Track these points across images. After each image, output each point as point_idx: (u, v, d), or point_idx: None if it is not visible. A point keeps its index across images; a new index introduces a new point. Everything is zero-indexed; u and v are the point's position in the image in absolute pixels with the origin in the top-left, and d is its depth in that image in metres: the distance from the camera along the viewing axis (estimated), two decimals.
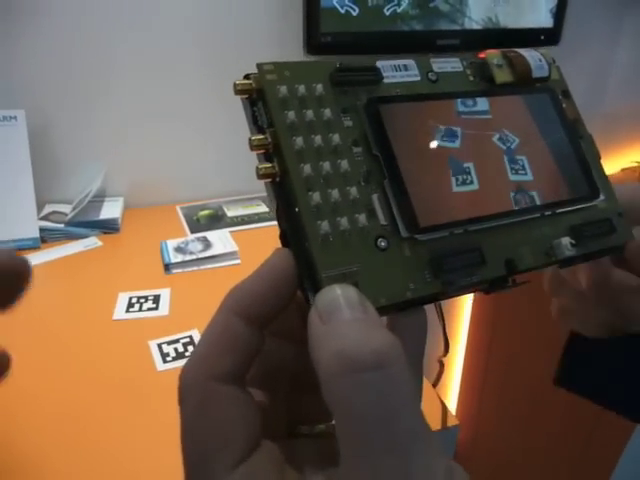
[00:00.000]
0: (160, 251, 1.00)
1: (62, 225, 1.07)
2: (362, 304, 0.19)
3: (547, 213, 0.26)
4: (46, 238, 1.04)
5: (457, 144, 0.25)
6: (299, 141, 0.22)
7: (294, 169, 0.21)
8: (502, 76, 0.27)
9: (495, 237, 0.24)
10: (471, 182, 0.25)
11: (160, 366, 0.72)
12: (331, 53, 1.14)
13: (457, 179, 0.24)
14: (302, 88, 0.22)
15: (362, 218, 0.22)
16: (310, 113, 0.22)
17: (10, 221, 1.02)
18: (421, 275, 0.22)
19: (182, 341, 0.77)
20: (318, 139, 0.22)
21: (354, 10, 1.10)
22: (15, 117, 1.02)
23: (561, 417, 1.20)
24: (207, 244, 1.01)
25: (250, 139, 0.22)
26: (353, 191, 0.22)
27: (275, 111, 0.22)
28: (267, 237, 1.09)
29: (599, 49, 1.52)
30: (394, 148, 0.23)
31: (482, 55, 0.28)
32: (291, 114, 0.22)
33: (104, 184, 1.16)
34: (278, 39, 1.17)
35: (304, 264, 0.21)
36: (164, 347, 0.75)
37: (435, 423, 0.67)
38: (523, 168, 0.26)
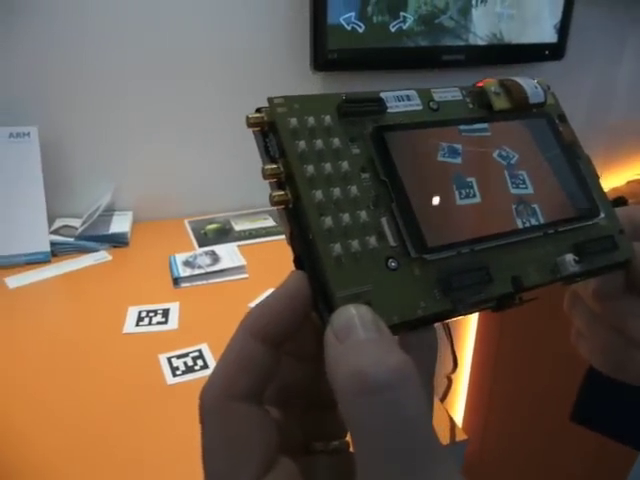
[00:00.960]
0: (169, 265, 1.01)
1: (72, 239, 1.08)
2: (376, 323, 0.19)
3: (550, 231, 0.27)
4: (57, 252, 1.06)
5: (459, 160, 0.26)
6: (310, 169, 0.23)
7: (306, 195, 0.23)
8: (500, 103, 0.28)
9: (501, 255, 0.25)
10: (474, 195, 0.26)
11: (170, 380, 0.73)
12: (337, 69, 1.16)
13: (460, 193, 0.25)
14: (311, 119, 0.24)
15: (372, 240, 0.23)
16: (320, 142, 0.23)
17: (22, 235, 1.03)
18: (431, 294, 0.23)
19: (191, 355, 0.77)
20: (328, 167, 0.23)
21: (360, 27, 1.12)
22: (28, 134, 1.04)
23: (568, 432, 1.20)
24: (215, 258, 1.02)
25: (263, 168, 0.23)
26: (363, 215, 0.23)
27: (287, 142, 0.23)
28: (274, 251, 1.10)
29: (603, 64, 1.53)
30: (400, 173, 0.24)
31: (480, 84, 0.29)
32: (302, 144, 0.23)
33: (113, 198, 1.17)
34: (285, 56, 1.19)
35: (318, 286, 0.22)
36: (174, 361, 0.76)
37: (444, 438, 0.67)
38: (524, 182, 0.27)
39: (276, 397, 0.24)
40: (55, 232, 1.10)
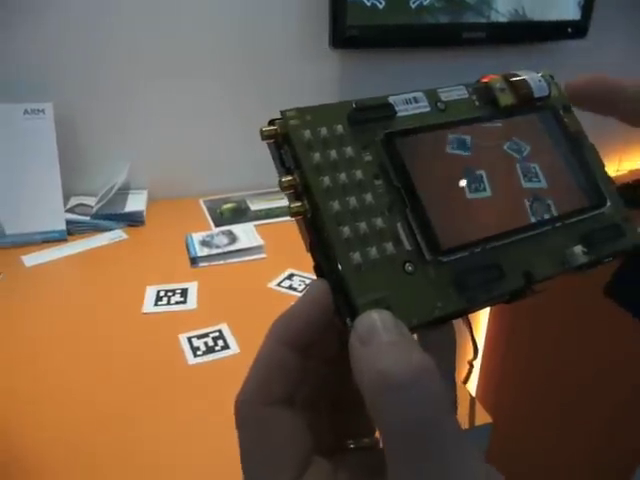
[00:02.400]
0: (185, 244, 1.00)
1: (88, 218, 1.08)
2: (397, 326, 0.20)
3: (559, 224, 0.27)
4: (72, 230, 1.05)
5: (468, 153, 0.26)
6: (326, 180, 0.23)
7: (324, 207, 0.23)
8: (505, 99, 0.29)
9: (512, 251, 0.26)
10: (484, 189, 0.26)
11: (191, 360, 0.72)
12: (356, 47, 1.14)
13: (470, 187, 0.26)
14: (324, 130, 0.24)
15: (389, 246, 0.23)
16: (333, 153, 0.24)
17: (37, 213, 1.02)
18: (447, 294, 0.24)
19: (212, 335, 0.77)
20: (343, 176, 0.24)
21: (380, 3, 1.09)
22: (43, 110, 1.03)
23: (580, 410, 1.20)
24: (233, 238, 1.01)
25: (280, 181, 0.24)
26: (379, 222, 0.24)
27: (301, 154, 0.24)
28: (292, 231, 1.08)
29: (626, 42, 1.50)
30: (413, 178, 0.25)
31: (484, 80, 0.29)
32: (316, 156, 0.24)
33: (128, 177, 1.16)
34: (303, 33, 1.17)
35: (340, 293, 0.22)
36: (194, 341, 0.76)
37: (466, 422, 0.66)
38: (536, 176, 0.27)
39: (304, 400, 0.24)
40: (70, 210, 1.09)
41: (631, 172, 1.56)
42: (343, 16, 1.07)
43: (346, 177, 0.24)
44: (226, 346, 0.75)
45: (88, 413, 0.64)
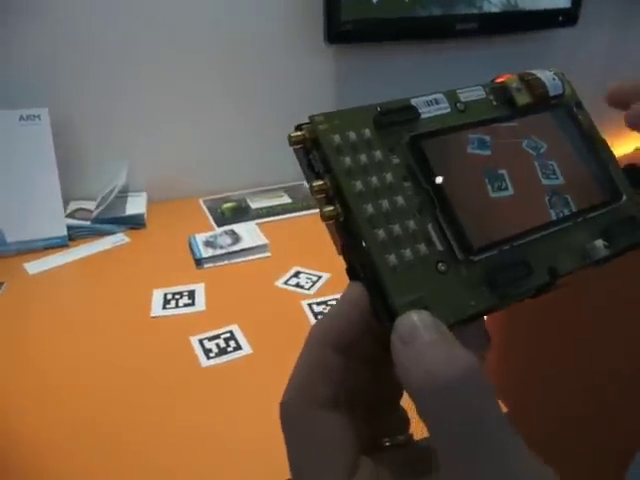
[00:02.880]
0: (189, 245, 1.00)
1: (88, 222, 1.07)
2: (436, 326, 0.21)
3: (579, 219, 0.28)
4: (74, 236, 1.05)
5: (488, 152, 0.27)
6: (358, 184, 0.24)
7: (358, 210, 0.23)
8: (522, 98, 0.29)
9: (537, 247, 0.26)
10: (506, 188, 0.27)
11: (204, 362, 0.72)
12: (351, 41, 1.14)
13: (493, 185, 0.26)
14: (352, 135, 0.24)
15: (422, 247, 0.24)
16: (363, 157, 0.24)
17: (38, 220, 1.02)
18: (479, 292, 0.24)
19: (223, 337, 0.77)
20: (374, 180, 0.24)
21: None
22: (39, 116, 1.02)
23: (583, 400, 1.21)
24: (236, 237, 1.01)
25: (311, 185, 0.24)
26: (411, 224, 0.24)
27: (332, 158, 0.24)
28: (294, 228, 1.10)
29: (615, 29, 1.51)
30: (441, 180, 0.25)
31: (501, 80, 0.30)
32: (347, 160, 0.24)
33: (126, 179, 1.15)
34: (298, 28, 1.17)
35: (377, 295, 0.23)
36: (206, 343, 0.76)
37: None
38: (554, 172, 0.28)
39: (345, 401, 0.25)
40: (70, 215, 1.09)
41: (624, 156, 1.57)
42: (337, 11, 1.07)
43: (377, 180, 0.24)
44: (238, 347, 0.75)
45: (102, 419, 0.64)
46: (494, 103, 0.29)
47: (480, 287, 0.24)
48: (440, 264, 0.24)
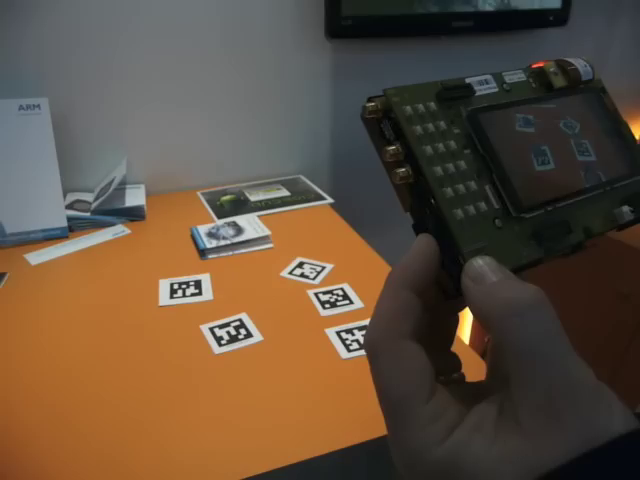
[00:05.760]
0: (192, 237, 1.01)
1: (88, 214, 1.07)
2: (500, 267, 0.24)
3: (608, 188, 0.32)
4: (73, 227, 1.04)
5: (532, 130, 0.30)
6: (428, 149, 0.27)
7: (429, 171, 0.27)
8: (559, 81, 0.33)
9: (575, 210, 0.30)
10: (548, 162, 0.30)
11: (217, 349, 0.73)
12: (351, 36, 1.15)
13: (537, 160, 0.29)
14: (420, 107, 0.28)
15: (482, 205, 0.27)
16: (430, 126, 0.28)
17: (37, 211, 1.01)
18: (528, 245, 0.28)
19: (233, 325, 0.78)
20: (441, 146, 0.27)
21: None
22: (39, 105, 1.01)
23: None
24: (238, 229, 1.02)
25: (385, 149, 0.27)
26: (472, 185, 0.27)
27: (405, 126, 0.27)
28: (293, 221, 1.11)
29: (602, 30, 1.55)
30: (495, 148, 0.28)
31: (539, 65, 0.33)
32: (418, 128, 0.27)
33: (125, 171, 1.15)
34: (299, 23, 1.17)
35: (447, 244, 0.26)
36: (216, 331, 0.77)
37: None
38: (587, 150, 0.32)
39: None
40: (69, 207, 1.08)
41: None
42: (338, 6, 1.08)
43: (443, 147, 0.27)
44: (249, 334, 0.76)
45: (115, 408, 0.64)
46: (533, 85, 0.33)
47: (530, 241, 0.28)
48: (497, 220, 0.27)
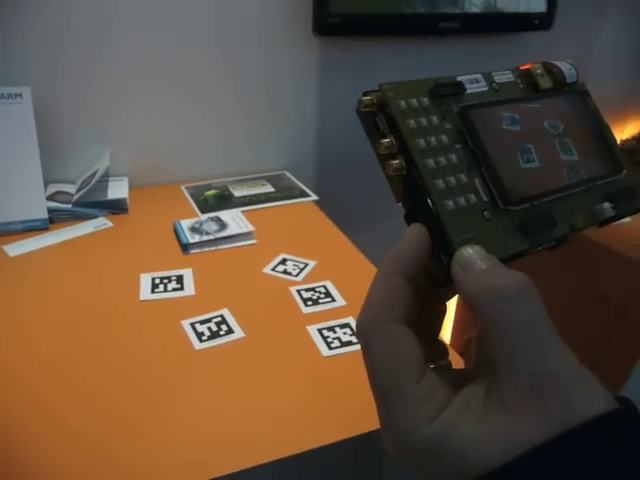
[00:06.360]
0: (174, 231, 1.00)
1: (69, 205, 1.05)
2: (488, 256, 0.26)
3: (591, 185, 0.33)
4: (54, 219, 1.03)
5: (518, 128, 0.31)
6: (421, 142, 0.28)
7: (422, 163, 0.28)
8: (545, 83, 0.34)
9: (560, 205, 0.31)
10: (533, 160, 0.31)
11: (197, 345, 0.73)
12: (339, 35, 1.15)
13: (523, 158, 0.30)
14: (414, 102, 0.29)
15: (472, 197, 0.28)
16: (424, 120, 0.29)
17: (17, 201, 1.00)
18: (515, 236, 0.29)
19: (214, 320, 0.78)
20: (433, 140, 0.28)
21: None
22: (20, 94, 0.99)
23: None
24: (222, 224, 1.02)
25: (379, 142, 0.28)
26: (462, 178, 0.29)
27: (400, 120, 0.28)
28: (277, 217, 1.11)
29: (586, 35, 1.57)
30: (484, 143, 0.30)
31: (527, 67, 0.35)
32: (411, 122, 0.28)
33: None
34: (287, 20, 1.17)
35: (437, 234, 0.27)
36: (197, 326, 0.77)
37: None
38: (570, 150, 0.33)
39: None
40: (50, 198, 1.07)
41: None
42: (326, 4, 1.08)
43: (435, 141, 0.28)
44: (230, 330, 0.76)
45: (93, 402, 0.64)
46: (521, 86, 0.34)
47: (516, 233, 0.29)
48: (485, 212, 0.29)
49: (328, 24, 1.11)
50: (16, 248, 0.95)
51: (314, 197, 1.17)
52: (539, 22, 1.33)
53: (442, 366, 0.30)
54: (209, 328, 0.77)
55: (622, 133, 1.82)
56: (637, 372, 1.30)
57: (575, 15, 1.48)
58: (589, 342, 1.37)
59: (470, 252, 0.26)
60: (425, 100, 0.29)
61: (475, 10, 1.24)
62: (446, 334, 1.77)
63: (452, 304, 1.58)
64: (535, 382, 0.22)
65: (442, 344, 0.31)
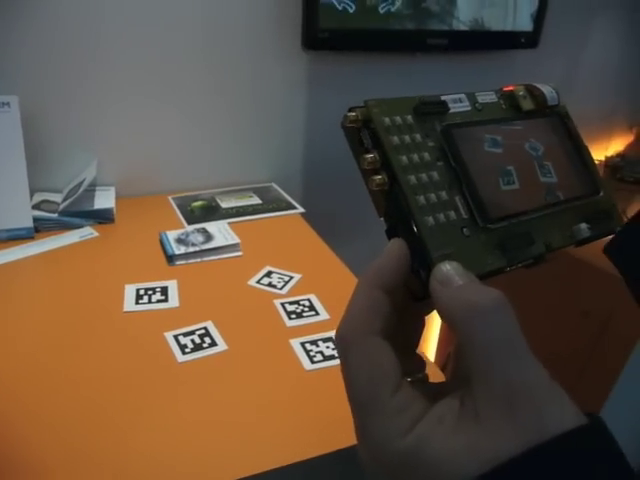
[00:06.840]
0: (160, 242, 1.00)
1: (55, 215, 1.05)
2: (466, 272, 0.26)
3: (569, 206, 0.34)
4: (39, 228, 1.03)
5: (500, 150, 0.32)
6: (404, 159, 0.28)
7: (404, 180, 0.28)
8: (526, 104, 0.35)
9: (538, 225, 0.32)
10: (513, 182, 0.32)
11: (180, 358, 0.73)
12: (327, 49, 1.16)
13: (503, 180, 0.31)
14: (398, 119, 0.29)
15: (452, 214, 0.29)
16: (407, 137, 0.29)
17: (3, 210, 0.99)
18: (493, 253, 0.30)
19: (198, 333, 0.78)
20: (415, 157, 0.29)
21: (350, 7, 1.12)
22: (8, 103, 0.99)
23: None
24: (208, 236, 1.02)
25: (363, 157, 0.29)
26: (443, 195, 0.29)
27: (384, 136, 0.29)
28: (265, 229, 1.11)
29: (571, 53, 1.60)
30: (466, 162, 0.30)
31: (510, 88, 0.36)
32: (395, 138, 0.29)
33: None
34: (276, 33, 1.18)
35: (417, 249, 0.28)
36: (181, 339, 0.77)
37: None
38: (549, 172, 0.33)
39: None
40: (35, 207, 1.06)
41: None
42: (315, 19, 1.10)
43: (417, 157, 0.29)
44: (214, 343, 0.76)
45: (78, 414, 0.63)
46: (503, 107, 0.35)
47: (494, 250, 0.30)
48: (465, 229, 0.29)
49: (317, 39, 1.12)
50: (0, 257, 0.94)
51: (301, 210, 1.18)
52: (525, 40, 1.35)
53: (419, 379, 0.30)
54: (192, 340, 0.77)
55: (606, 150, 1.85)
56: (620, 383, 1.31)
57: (561, 34, 1.51)
58: (574, 355, 1.39)
59: (448, 268, 0.26)
60: (409, 117, 0.30)
61: (463, 28, 1.26)
62: (430, 349, 1.77)
63: (437, 319, 1.58)
64: (508, 395, 0.23)
65: (419, 357, 0.31)
